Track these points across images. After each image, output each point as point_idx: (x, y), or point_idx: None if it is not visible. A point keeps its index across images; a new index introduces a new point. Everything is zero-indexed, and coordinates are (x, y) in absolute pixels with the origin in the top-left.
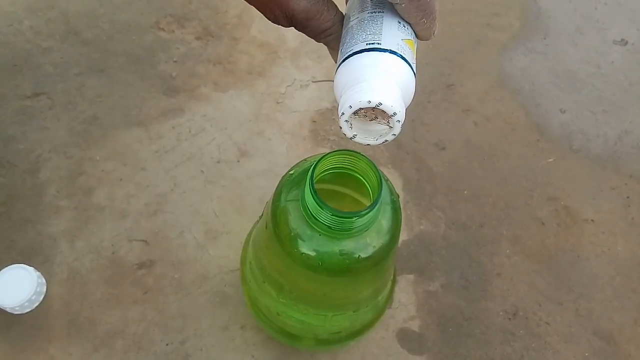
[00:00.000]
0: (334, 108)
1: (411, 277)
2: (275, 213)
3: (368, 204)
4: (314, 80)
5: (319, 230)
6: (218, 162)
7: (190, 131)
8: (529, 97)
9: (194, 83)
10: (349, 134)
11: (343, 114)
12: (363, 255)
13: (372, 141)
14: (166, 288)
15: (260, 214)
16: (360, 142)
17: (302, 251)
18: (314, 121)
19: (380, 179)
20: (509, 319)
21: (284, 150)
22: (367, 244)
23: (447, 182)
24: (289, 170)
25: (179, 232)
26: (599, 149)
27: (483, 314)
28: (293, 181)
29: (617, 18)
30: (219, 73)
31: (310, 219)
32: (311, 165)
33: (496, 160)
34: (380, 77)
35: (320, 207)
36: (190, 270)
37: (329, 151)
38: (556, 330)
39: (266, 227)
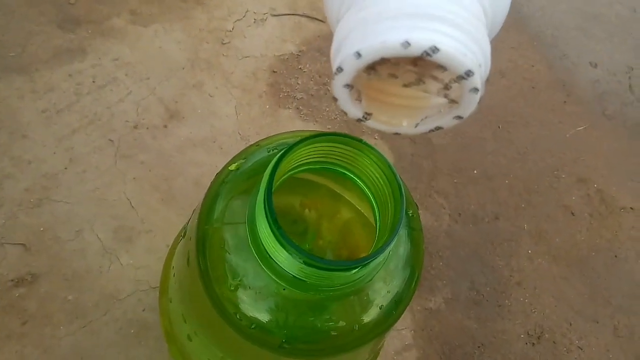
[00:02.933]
0: (303, 53)
1: None
2: (202, 243)
3: (364, 206)
4: (274, 13)
5: (283, 283)
6: (135, 126)
7: (94, 81)
8: (552, 45)
9: (102, 12)
10: (355, 112)
11: (340, 70)
12: (362, 323)
13: (406, 128)
14: (56, 315)
15: (189, 220)
16: (379, 128)
17: (251, 317)
18: (274, 71)
19: (400, 192)
20: (533, 343)
21: (232, 112)
22: (368, 304)
23: (452, 158)
24: (229, 164)
25: (76, 232)
26: (638, 115)
27: (499, 338)
28: (235, 184)
29: None
30: None
31: (266, 262)
32: (270, 160)
33: (513, 128)
34: None
35: (286, 249)
36: (92, 288)
37: (295, 119)
38: (591, 356)
39: (188, 264)
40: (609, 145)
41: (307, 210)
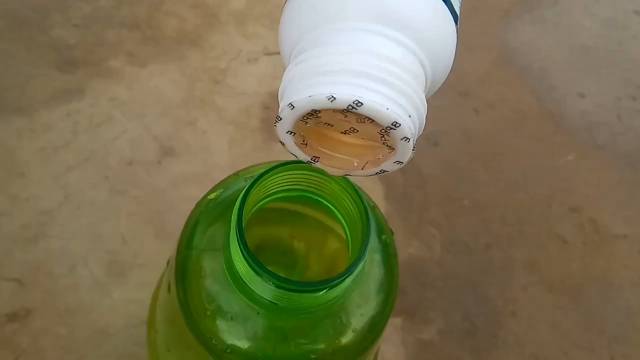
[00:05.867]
0: None
1: (398, 321)
2: (182, 270)
3: (343, 232)
4: (267, 52)
5: (256, 307)
6: (130, 163)
7: (92, 120)
8: (539, 77)
9: (100, 54)
10: (303, 155)
11: (280, 119)
12: (336, 346)
13: (353, 170)
14: (48, 350)
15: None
16: (328, 170)
17: (227, 342)
18: (267, 107)
19: (366, 215)
20: None
21: (225, 147)
22: (342, 327)
23: (443, 189)
24: (209, 193)
25: (70, 267)
26: (628, 144)
27: None
28: (214, 212)
29: None
30: (136, 41)
31: (239, 287)
32: (244, 188)
33: (503, 159)
34: (365, 34)
35: (256, 272)
36: (85, 323)
37: (287, 152)
38: None
39: (169, 290)
40: (600, 174)
41: (295, 242)
